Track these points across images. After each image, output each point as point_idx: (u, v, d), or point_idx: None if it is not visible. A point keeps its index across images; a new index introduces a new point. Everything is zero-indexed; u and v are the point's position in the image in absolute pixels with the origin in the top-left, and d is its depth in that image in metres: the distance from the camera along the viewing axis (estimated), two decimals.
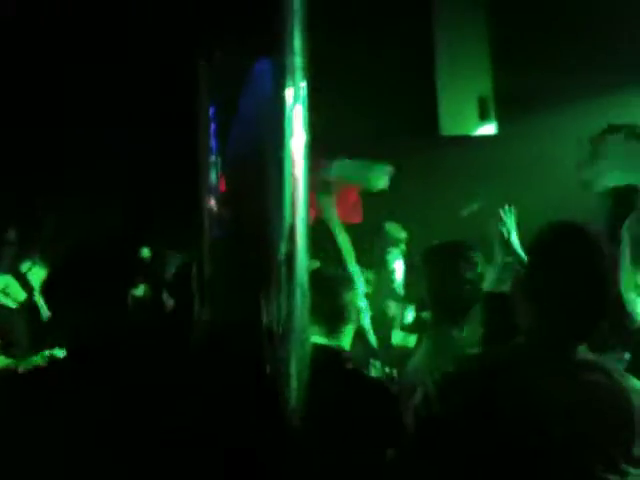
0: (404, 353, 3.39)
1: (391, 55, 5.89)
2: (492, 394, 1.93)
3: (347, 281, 2.80)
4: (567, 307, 1.97)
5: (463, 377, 2.01)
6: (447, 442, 1.95)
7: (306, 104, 2.36)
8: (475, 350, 2.63)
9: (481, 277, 3.22)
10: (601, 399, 1.95)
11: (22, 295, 4.94)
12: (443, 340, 2.99)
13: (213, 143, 2.31)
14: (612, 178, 4.30)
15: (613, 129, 4.56)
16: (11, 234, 4.98)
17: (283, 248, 2.33)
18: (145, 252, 4.75)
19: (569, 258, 1.99)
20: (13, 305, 4.91)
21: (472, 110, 6.20)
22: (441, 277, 3.23)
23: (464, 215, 5.55)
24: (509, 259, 3.04)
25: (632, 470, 1.91)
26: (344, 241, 3.58)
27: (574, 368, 1.99)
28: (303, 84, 2.33)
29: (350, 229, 4.46)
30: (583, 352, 2.02)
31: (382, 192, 4.90)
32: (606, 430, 1.92)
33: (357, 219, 5.27)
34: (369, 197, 5.31)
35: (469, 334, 3.02)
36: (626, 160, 4.51)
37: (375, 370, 3.37)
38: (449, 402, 1.97)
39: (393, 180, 5.02)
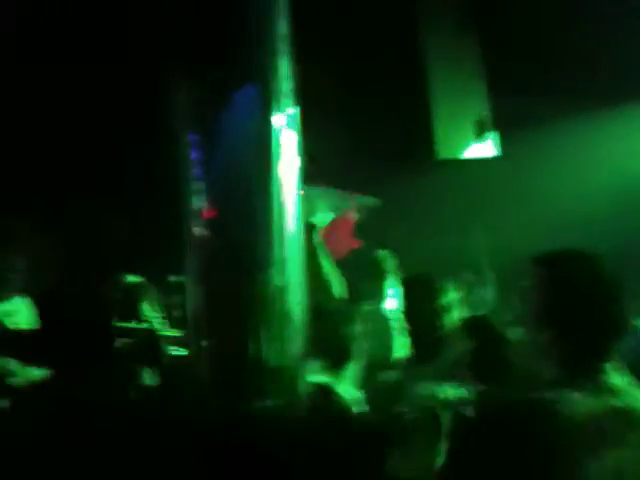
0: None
1: (384, 79, 5.83)
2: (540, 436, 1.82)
3: (349, 315, 2.66)
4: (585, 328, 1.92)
5: (506, 418, 1.90)
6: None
7: (297, 128, 2.26)
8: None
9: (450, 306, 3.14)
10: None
11: (25, 320, 4.85)
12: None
13: (197, 170, 2.21)
14: None
15: None
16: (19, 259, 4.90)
17: (274, 279, 2.21)
18: (132, 280, 4.64)
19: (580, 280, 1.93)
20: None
21: (467, 132, 6.13)
22: (412, 308, 3.16)
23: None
24: None
25: None
26: (335, 275, 3.43)
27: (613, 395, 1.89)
28: (292, 109, 2.24)
29: (341, 259, 4.33)
30: (615, 377, 1.95)
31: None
32: None
33: (354, 245, 5.16)
34: (361, 224, 5.22)
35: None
36: None
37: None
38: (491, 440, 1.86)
39: (385, 207, 4.92)
